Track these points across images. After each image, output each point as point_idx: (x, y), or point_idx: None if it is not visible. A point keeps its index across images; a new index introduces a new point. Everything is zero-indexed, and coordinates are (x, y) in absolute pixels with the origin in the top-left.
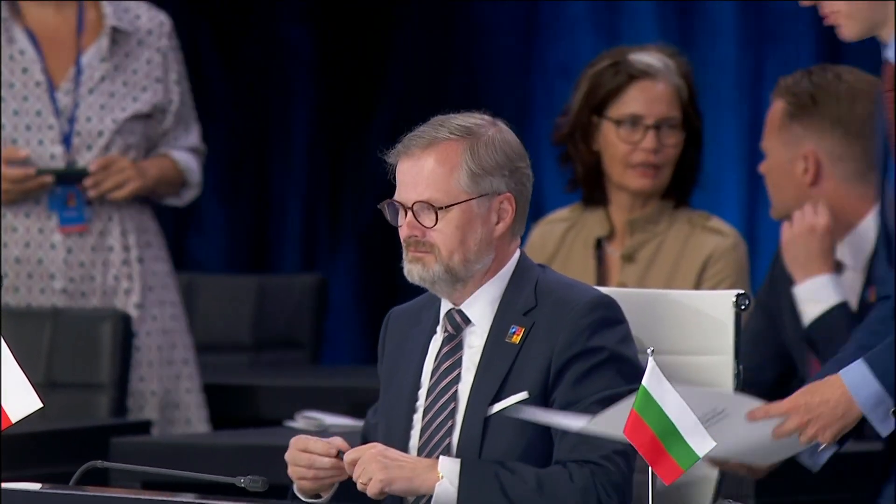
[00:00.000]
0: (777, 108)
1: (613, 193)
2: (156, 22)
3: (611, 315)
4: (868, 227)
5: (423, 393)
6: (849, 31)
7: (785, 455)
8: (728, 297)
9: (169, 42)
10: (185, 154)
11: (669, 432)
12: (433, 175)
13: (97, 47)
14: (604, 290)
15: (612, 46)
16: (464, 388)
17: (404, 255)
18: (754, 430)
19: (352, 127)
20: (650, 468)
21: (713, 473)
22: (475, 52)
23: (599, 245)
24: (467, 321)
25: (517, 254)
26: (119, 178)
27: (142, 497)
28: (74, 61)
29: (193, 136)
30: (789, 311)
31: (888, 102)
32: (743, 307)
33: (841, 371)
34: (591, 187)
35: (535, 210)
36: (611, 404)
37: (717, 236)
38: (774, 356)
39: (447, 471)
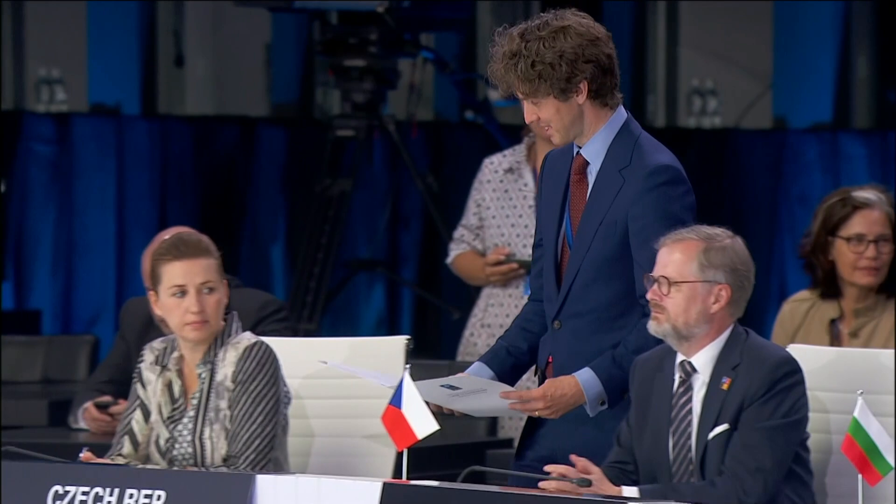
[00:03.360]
0: None
1: (845, 289)
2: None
3: (791, 369)
4: None
5: (674, 416)
6: (558, 139)
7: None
8: None
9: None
10: None
11: (872, 450)
12: (675, 260)
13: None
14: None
15: (835, 183)
16: (694, 419)
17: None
18: (497, 401)
19: None
20: (859, 475)
21: None
22: (738, 184)
23: (833, 323)
24: (694, 370)
25: (731, 326)
26: None
27: (510, 492)
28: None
29: None
30: None
31: (574, 184)
32: None
33: (576, 374)
34: (827, 285)
35: (782, 292)
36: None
37: None
38: None
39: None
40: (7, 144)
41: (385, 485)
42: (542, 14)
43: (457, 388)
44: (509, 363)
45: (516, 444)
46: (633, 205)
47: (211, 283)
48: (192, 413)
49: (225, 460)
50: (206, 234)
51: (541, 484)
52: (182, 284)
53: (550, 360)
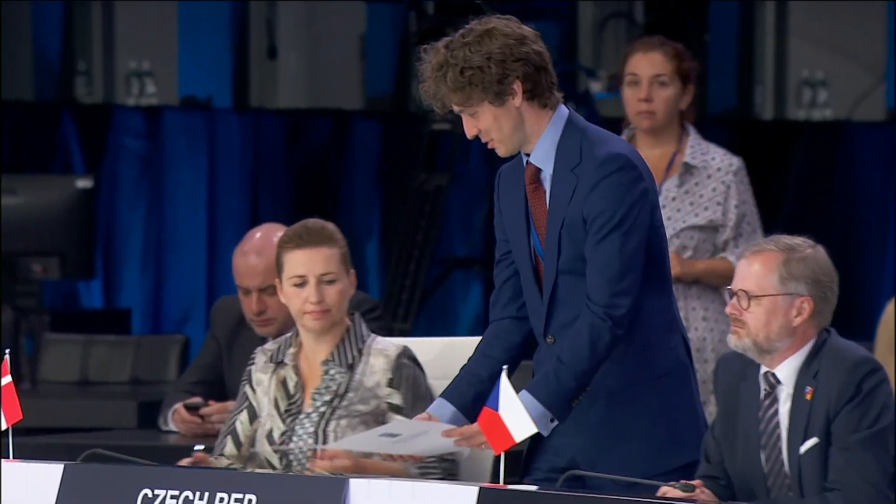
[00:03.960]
0: None
1: None
2: (726, 162)
3: (870, 369)
4: None
5: (762, 429)
6: (502, 150)
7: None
8: None
9: (734, 177)
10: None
11: None
12: (755, 273)
13: (675, 177)
14: None
15: None
16: (783, 433)
17: None
18: (440, 440)
19: None
20: None
21: None
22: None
23: None
24: (778, 381)
25: (815, 338)
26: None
27: (613, 497)
28: (658, 186)
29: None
30: None
31: (530, 194)
32: None
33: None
34: None
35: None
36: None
37: None
38: None
39: None
40: (96, 138)
41: (482, 489)
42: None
43: (397, 435)
44: (471, 394)
45: None
46: (587, 200)
47: (331, 275)
48: (319, 408)
49: None
50: None
51: (662, 489)
52: (303, 275)
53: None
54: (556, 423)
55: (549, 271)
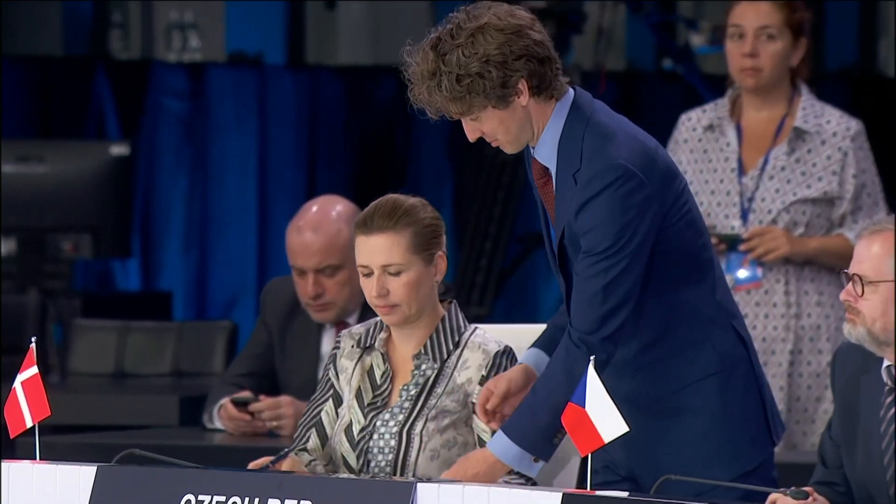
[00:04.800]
0: None
1: None
2: (843, 126)
3: None
4: None
5: (883, 430)
6: (510, 149)
7: None
8: None
9: (852, 143)
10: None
11: None
12: (873, 255)
13: (784, 144)
14: None
15: None
16: None
17: None
18: None
19: None
20: None
21: None
22: None
23: None
24: None
25: None
26: (771, 244)
27: None
28: (765, 154)
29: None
30: None
31: (541, 189)
32: None
33: (488, 444)
34: None
35: None
36: None
37: None
38: None
39: None
40: (133, 100)
41: (565, 495)
42: (452, 15)
43: None
44: None
45: None
46: (577, 217)
47: (396, 266)
48: (405, 405)
49: None
50: (359, 204)
51: (771, 497)
52: (366, 265)
53: None
54: (540, 462)
55: (563, 271)
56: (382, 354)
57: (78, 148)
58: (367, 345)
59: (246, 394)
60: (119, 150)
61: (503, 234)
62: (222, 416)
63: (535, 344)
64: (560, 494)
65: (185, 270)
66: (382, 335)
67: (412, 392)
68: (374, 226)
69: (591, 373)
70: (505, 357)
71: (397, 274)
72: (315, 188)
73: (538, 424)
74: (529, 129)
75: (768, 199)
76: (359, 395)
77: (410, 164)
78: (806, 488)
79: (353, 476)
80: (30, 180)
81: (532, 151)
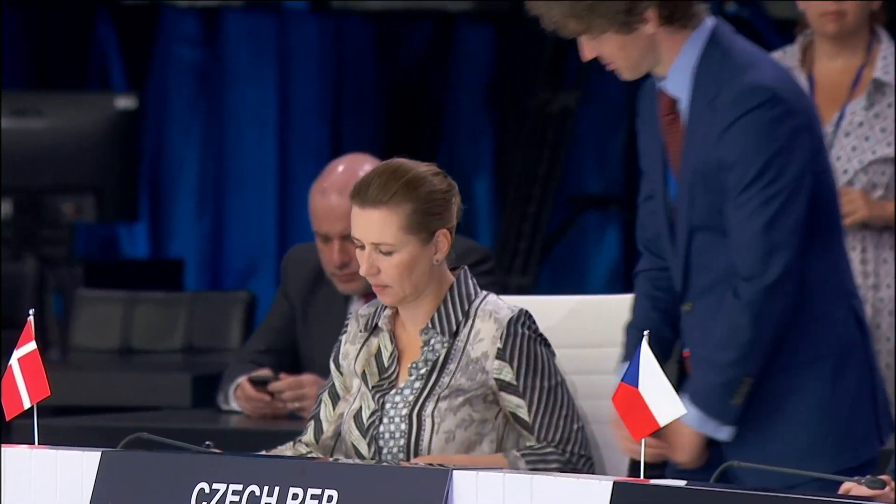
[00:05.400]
0: None
1: None
2: None
3: None
4: None
5: None
6: (627, 75)
7: None
8: None
9: None
10: None
11: None
12: None
13: (862, 97)
14: None
15: None
16: None
17: None
18: None
19: None
20: None
21: None
22: None
23: None
24: None
25: None
26: (847, 208)
27: (787, 496)
28: (840, 108)
29: None
30: None
31: (665, 126)
32: None
33: (682, 420)
34: None
35: None
36: None
37: None
38: None
39: None
40: (141, 47)
41: (616, 484)
42: None
43: None
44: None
45: None
46: (721, 143)
47: (386, 246)
48: (414, 384)
49: (555, 445)
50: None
51: (844, 486)
52: (357, 238)
53: (686, 353)
54: (729, 426)
55: (683, 224)
56: (389, 333)
57: (80, 100)
58: (373, 326)
59: (265, 372)
60: (125, 102)
61: (549, 196)
62: (239, 396)
63: (625, 358)
64: (610, 483)
65: (197, 235)
66: (388, 312)
67: (422, 370)
68: (368, 198)
69: (645, 349)
70: (520, 324)
71: (388, 254)
72: (341, 144)
73: (711, 384)
74: (652, 57)
75: (844, 159)
76: (365, 380)
77: (446, 117)
78: (883, 477)
79: (384, 462)
80: (26, 136)
81: (660, 84)
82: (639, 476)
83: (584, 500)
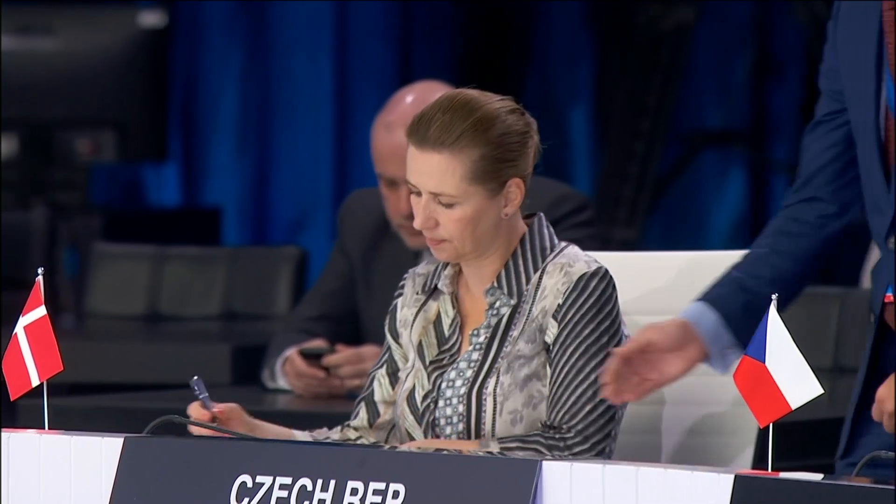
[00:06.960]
0: None
1: None
2: None
3: None
4: None
5: None
6: None
7: None
8: None
9: None
10: None
11: None
12: None
13: None
14: None
15: None
16: None
17: None
18: None
19: None
20: None
21: None
22: None
23: None
24: None
25: None
26: None
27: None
28: None
29: None
30: None
31: (888, 25)
32: None
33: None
34: None
35: None
36: None
37: None
38: None
39: None
40: None
41: (738, 478)
42: None
43: None
44: (739, 302)
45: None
46: None
47: (446, 197)
48: (472, 357)
49: (550, 428)
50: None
51: None
52: (413, 184)
53: (890, 297)
54: (733, 357)
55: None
56: (451, 297)
57: (97, 16)
58: (432, 287)
59: (319, 343)
60: (151, 19)
61: (660, 132)
62: (288, 371)
63: (704, 297)
64: (731, 477)
65: (238, 180)
66: (449, 271)
67: (482, 339)
68: (428, 138)
69: (774, 315)
70: (595, 279)
71: (449, 206)
72: (410, 70)
73: (737, 300)
74: None
75: None
76: (420, 353)
77: (536, 37)
78: None
79: (457, 451)
80: (34, 59)
81: None
82: (766, 468)
83: (700, 496)
